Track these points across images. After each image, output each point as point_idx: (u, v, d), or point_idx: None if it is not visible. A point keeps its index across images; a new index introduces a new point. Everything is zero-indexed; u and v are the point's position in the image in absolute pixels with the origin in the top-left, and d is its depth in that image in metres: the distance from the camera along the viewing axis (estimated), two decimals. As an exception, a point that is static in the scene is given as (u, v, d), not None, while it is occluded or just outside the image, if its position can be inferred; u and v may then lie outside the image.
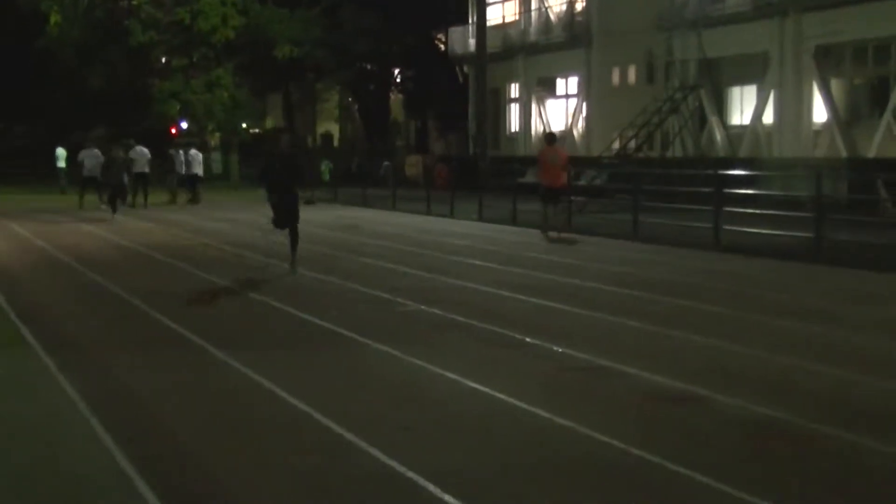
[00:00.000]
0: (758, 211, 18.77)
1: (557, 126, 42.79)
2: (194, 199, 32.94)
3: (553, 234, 20.32)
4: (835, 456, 6.23)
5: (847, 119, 30.42)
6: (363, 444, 6.38)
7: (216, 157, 53.53)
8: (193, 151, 33.62)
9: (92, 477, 5.89)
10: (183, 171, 33.31)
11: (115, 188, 26.84)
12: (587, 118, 40.64)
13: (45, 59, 47.64)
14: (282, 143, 15.75)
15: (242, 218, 26.47)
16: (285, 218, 14.71)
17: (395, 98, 65.71)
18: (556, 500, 5.49)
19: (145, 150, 31.05)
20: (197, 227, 23.66)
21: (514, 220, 23.63)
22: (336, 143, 75.28)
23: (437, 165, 42.05)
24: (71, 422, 7.05)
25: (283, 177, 14.62)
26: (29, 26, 46.12)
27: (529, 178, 33.72)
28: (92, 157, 29.87)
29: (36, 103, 54.18)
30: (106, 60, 46.39)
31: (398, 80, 63.88)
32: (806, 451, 6.34)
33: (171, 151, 34.00)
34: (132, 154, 30.23)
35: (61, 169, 38.89)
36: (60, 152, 39.38)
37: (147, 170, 30.97)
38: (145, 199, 30.47)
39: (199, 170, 33.41)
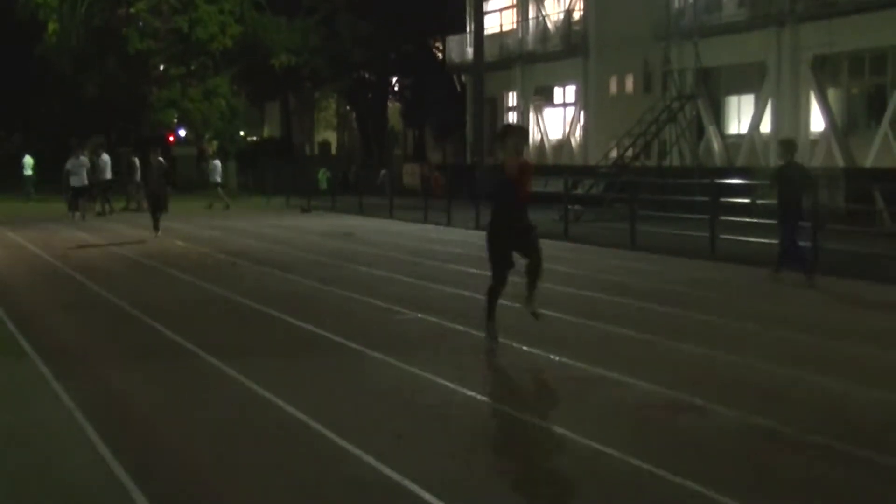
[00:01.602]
0: (754, 220, 18.78)
1: (555, 135, 42.82)
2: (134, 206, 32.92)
3: None
4: (828, 465, 6.23)
5: (844, 129, 30.45)
6: (358, 452, 6.39)
7: (214, 165, 53.48)
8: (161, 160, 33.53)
9: (87, 485, 5.89)
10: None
11: (154, 199, 23.47)
12: (584, 127, 40.68)
13: (42, 67, 47.66)
14: (514, 149, 10.04)
15: (238, 226, 26.50)
16: (525, 248, 10.04)
17: (393, 107, 65.78)
18: (550, 509, 5.49)
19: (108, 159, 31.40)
20: (192, 235, 23.67)
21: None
22: (334, 151, 75.33)
23: (434, 174, 42.09)
24: (66, 430, 7.05)
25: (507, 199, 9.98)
26: (27, 34, 46.15)
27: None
28: (79, 166, 29.80)
29: (32, 111, 54.19)
30: (103, 69, 46.41)
31: (396, 88, 63.97)
32: (799, 460, 6.35)
33: (134, 159, 33.77)
34: (101, 161, 30.93)
35: (28, 177, 39.33)
36: (28, 161, 39.83)
37: (109, 176, 31.86)
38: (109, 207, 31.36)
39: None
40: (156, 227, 22.94)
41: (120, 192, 33.11)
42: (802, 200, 14.81)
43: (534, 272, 10.09)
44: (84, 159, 30.37)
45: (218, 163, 36.28)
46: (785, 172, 14.82)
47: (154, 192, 23.52)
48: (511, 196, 9.89)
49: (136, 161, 33.62)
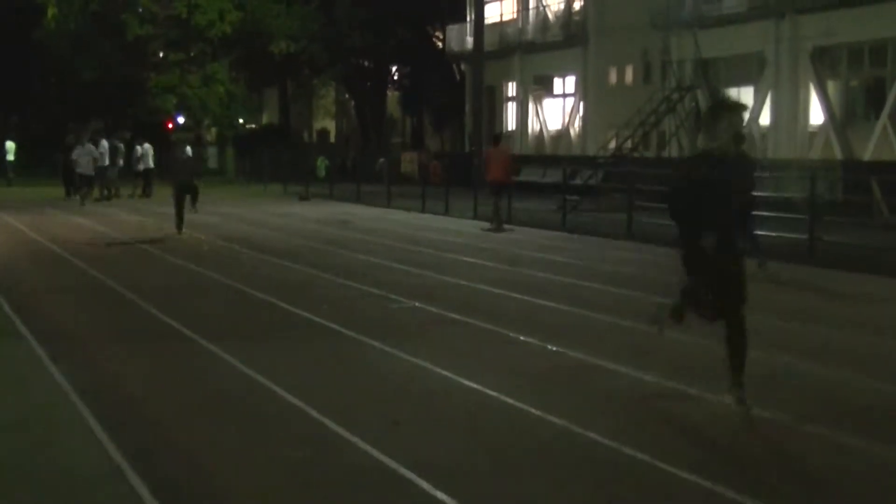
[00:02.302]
0: (752, 212, 18.75)
1: (554, 125, 42.79)
2: (146, 193, 32.90)
3: (508, 227, 21.91)
4: (822, 454, 6.25)
5: (843, 121, 30.44)
6: (354, 438, 6.39)
7: (212, 151, 53.52)
8: (147, 145, 33.43)
9: (83, 468, 5.90)
10: (141, 167, 33.20)
11: (184, 191, 20.62)
12: (584, 117, 40.65)
13: (40, 51, 47.55)
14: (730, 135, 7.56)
15: (236, 213, 26.49)
16: (725, 292, 7.02)
17: (392, 95, 65.70)
18: (548, 497, 5.50)
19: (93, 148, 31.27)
20: (190, 221, 23.64)
21: (509, 219, 23.61)
22: (332, 139, 75.27)
23: (432, 162, 42.07)
24: (63, 413, 7.05)
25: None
26: (25, 19, 46.04)
27: (525, 176, 33.83)
28: (86, 154, 29.72)
29: (30, 96, 54.07)
30: (101, 54, 46.31)
31: (395, 76, 63.87)
32: (795, 449, 6.36)
33: (118, 143, 33.58)
34: (101, 147, 30.94)
35: (9, 162, 39.22)
36: (10, 146, 39.71)
37: (108, 163, 31.77)
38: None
39: (151, 163, 33.28)
40: (179, 227, 20.26)
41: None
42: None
43: (736, 346, 6.96)
44: (91, 147, 30.23)
45: (149, 147, 33.65)
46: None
47: (185, 184, 20.58)
48: (727, 206, 7.00)
49: (121, 146, 33.42)
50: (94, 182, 30.19)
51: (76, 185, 30.30)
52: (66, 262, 15.92)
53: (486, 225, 22.97)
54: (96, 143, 31.36)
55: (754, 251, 14.59)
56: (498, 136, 24.84)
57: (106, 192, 31.68)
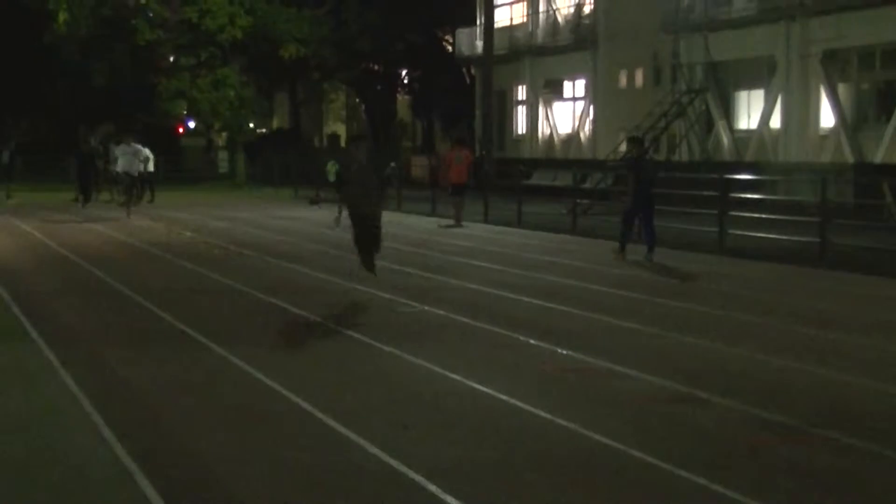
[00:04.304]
0: (763, 215, 18.75)
1: (564, 128, 42.74)
2: (148, 198, 31.54)
3: (453, 222, 23.93)
4: (832, 458, 6.23)
5: (854, 124, 30.34)
6: (362, 441, 6.39)
7: (222, 156, 53.58)
8: (146, 150, 31.55)
9: (93, 470, 5.91)
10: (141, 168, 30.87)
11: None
12: (594, 121, 40.60)
13: (50, 55, 47.65)
14: None
15: (245, 217, 26.52)
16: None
17: (402, 99, 65.72)
18: (555, 499, 5.49)
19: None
20: (200, 225, 23.70)
21: (519, 222, 23.62)
22: (343, 143, 75.35)
23: (442, 166, 42.00)
24: (71, 415, 7.07)
25: None
26: (35, 23, 46.14)
27: (535, 180, 33.83)
28: (131, 154, 27.53)
29: (40, 100, 54.18)
30: (111, 58, 46.40)
31: (405, 80, 63.89)
32: (803, 453, 6.34)
33: (111, 146, 32.27)
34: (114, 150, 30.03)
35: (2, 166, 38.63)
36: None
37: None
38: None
39: (151, 166, 31.73)
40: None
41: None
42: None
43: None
44: (138, 147, 28.27)
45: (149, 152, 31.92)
46: (641, 165, 17.23)
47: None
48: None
49: (114, 149, 32.69)
50: (136, 183, 28.14)
51: (115, 184, 29.53)
52: (76, 265, 15.95)
53: (495, 227, 22.99)
54: (105, 146, 31.14)
55: (648, 241, 16.65)
56: (460, 139, 26.41)
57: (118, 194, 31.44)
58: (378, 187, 12.81)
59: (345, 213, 14.40)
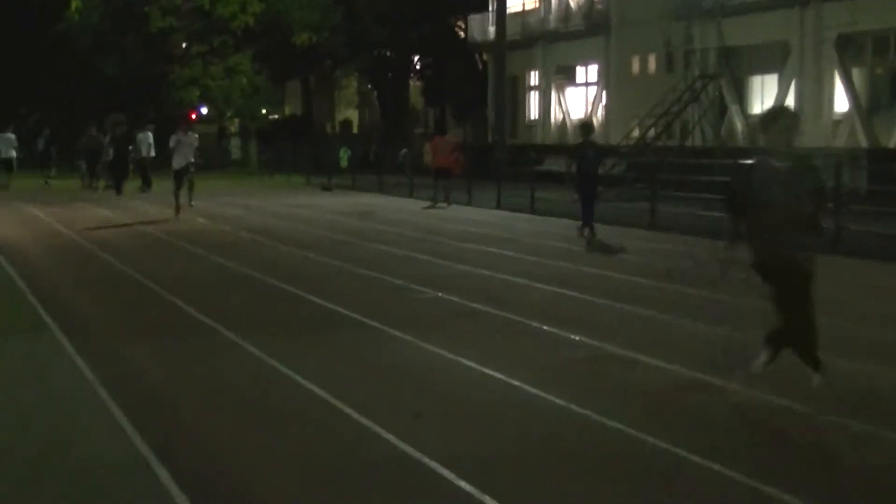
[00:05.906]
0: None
1: (577, 114, 42.65)
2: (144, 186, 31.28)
3: (442, 205, 25.39)
4: (845, 444, 6.23)
5: (868, 109, 30.21)
6: (378, 430, 6.41)
7: (235, 143, 53.63)
8: (141, 135, 32.01)
9: (109, 459, 5.94)
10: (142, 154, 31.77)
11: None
12: (606, 107, 40.51)
13: (61, 45, 47.66)
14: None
15: (259, 205, 26.57)
16: None
17: (414, 85, 65.63)
18: (570, 487, 5.51)
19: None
20: (214, 213, 23.74)
21: (532, 209, 23.60)
22: (355, 130, 75.32)
23: (454, 154, 41.92)
24: (88, 404, 7.10)
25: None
26: (47, 12, 46.18)
27: (548, 166, 33.77)
28: (188, 145, 23.50)
29: (51, 90, 54.19)
30: (123, 47, 46.41)
31: (417, 67, 63.79)
32: (817, 439, 6.34)
33: (104, 137, 32.51)
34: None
35: (9, 159, 38.31)
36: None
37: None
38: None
39: (147, 152, 31.73)
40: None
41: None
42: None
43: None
44: (193, 136, 23.85)
45: (149, 135, 32.21)
46: (579, 151, 18.34)
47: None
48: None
49: (105, 140, 32.37)
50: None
51: (137, 171, 30.05)
52: (92, 253, 16.01)
53: (508, 214, 23.01)
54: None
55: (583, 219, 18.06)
56: (443, 128, 27.02)
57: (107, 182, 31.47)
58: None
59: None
